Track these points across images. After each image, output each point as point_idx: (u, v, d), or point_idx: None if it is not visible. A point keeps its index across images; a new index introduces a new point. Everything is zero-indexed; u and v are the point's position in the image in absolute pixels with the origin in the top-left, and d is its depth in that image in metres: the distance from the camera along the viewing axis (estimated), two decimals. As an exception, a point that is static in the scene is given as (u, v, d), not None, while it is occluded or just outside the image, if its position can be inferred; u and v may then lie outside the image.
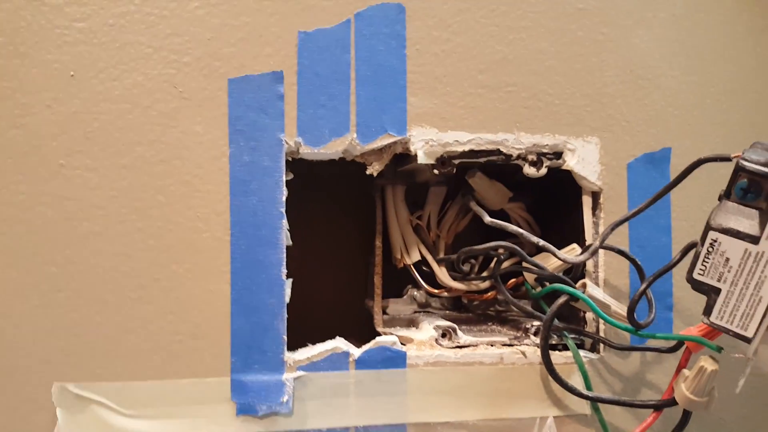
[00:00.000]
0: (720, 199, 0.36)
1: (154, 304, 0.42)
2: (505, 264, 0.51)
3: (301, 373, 0.44)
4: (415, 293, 0.55)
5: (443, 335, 0.47)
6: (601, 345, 0.48)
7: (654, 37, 0.49)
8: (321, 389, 0.44)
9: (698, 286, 0.38)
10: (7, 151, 0.40)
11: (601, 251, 0.48)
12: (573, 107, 0.48)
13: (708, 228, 0.36)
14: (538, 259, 0.49)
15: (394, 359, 0.45)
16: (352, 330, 0.48)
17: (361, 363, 0.44)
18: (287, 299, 0.45)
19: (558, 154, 0.48)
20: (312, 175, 0.54)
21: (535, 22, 0.47)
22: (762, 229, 0.34)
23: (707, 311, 0.37)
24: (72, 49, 0.41)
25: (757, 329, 0.35)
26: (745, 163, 0.35)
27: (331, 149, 0.44)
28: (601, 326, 0.48)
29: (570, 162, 0.48)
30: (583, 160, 0.48)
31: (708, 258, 0.36)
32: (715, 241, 0.36)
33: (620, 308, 0.45)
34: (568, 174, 0.49)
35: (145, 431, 0.41)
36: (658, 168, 0.48)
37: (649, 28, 0.49)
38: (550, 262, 0.49)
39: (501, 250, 0.49)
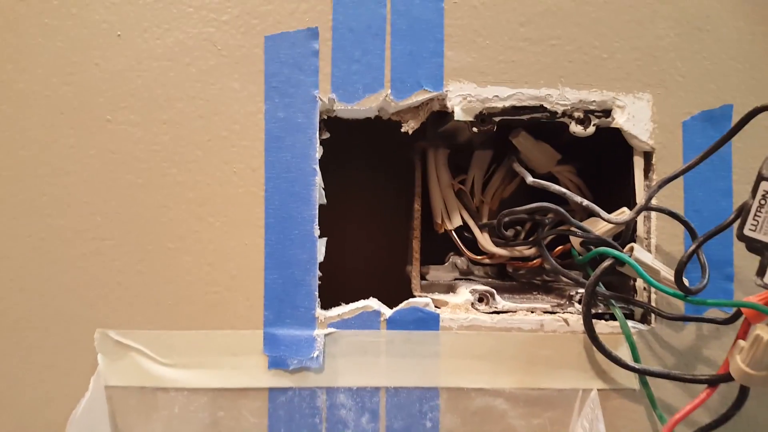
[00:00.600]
0: (774, 146, 0.34)
1: (192, 254, 0.43)
2: (556, 233, 0.50)
3: (332, 329, 0.44)
4: (457, 260, 0.54)
5: (480, 299, 0.46)
6: (652, 316, 0.46)
7: (716, -14, 0.46)
8: (351, 347, 0.44)
9: (751, 244, 0.35)
10: (58, 106, 0.43)
11: (655, 217, 0.46)
12: (622, 61, 0.46)
13: (760, 178, 0.34)
14: (586, 224, 0.47)
15: (427, 321, 0.45)
16: (391, 296, 0.48)
17: (393, 323, 0.44)
18: (320, 257, 0.45)
19: (606, 112, 0.46)
20: (355, 140, 0.55)
21: (582, -27, 0.45)
22: (819, 176, 0.31)
23: (761, 272, 0.35)
24: (118, 9, 0.44)
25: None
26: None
27: (365, 105, 0.44)
28: (653, 296, 0.46)
29: (619, 120, 0.46)
30: (634, 118, 0.46)
31: (760, 212, 0.34)
32: None
33: (671, 275, 0.42)
34: (620, 135, 0.47)
35: (181, 379, 0.43)
36: (717, 127, 0.45)
37: (711, -24, 0.46)
38: (599, 227, 0.47)
39: (546, 215, 0.48)
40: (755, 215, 0.34)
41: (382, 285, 0.51)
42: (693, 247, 0.38)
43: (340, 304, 0.46)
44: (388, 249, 0.61)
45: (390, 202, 0.59)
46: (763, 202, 0.34)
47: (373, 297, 0.47)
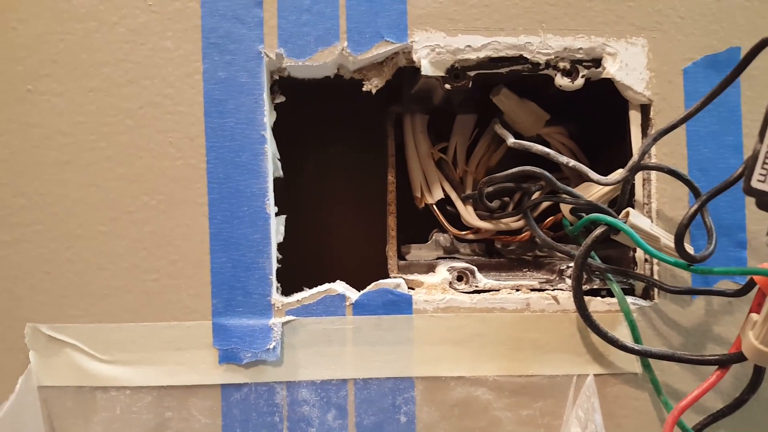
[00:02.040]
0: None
1: (126, 238, 0.40)
2: (540, 200, 0.46)
3: (290, 317, 0.40)
4: (440, 237, 0.50)
5: (459, 278, 0.42)
6: (655, 290, 0.42)
7: None
8: (313, 336, 0.40)
9: (760, 198, 0.31)
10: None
11: (655, 179, 0.42)
12: (611, 2, 0.41)
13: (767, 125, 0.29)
14: (579, 191, 0.43)
15: (398, 304, 0.41)
16: (373, 280, 0.44)
17: (360, 307, 0.41)
18: (279, 237, 0.42)
19: (596, 61, 0.42)
20: (329, 110, 0.51)
21: None
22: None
23: (772, 230, 0.31)
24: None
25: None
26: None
27: (319, 61, 0.40)
28: (656, 268, 0.42)
29: (610, 69, 0.41)
30: (627, 66, 0.41)
31: (769, 160, 0.30)
32: (778, 136, 0.29)
33: (672, 242, 0.38)
34: (613, 88, 0.42)
35: (122, 377, 0.40)
36: (723, 73, 0.40)
37: None
38: (591, 192, 0.42)
39: (533, 182, 0.44)
40: (764, 163, 0.30)
41: (362, 267, 0.48)
42: (695, 206, 0.34)
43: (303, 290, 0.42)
44: (369, 228, 0.57)
45: (372, 176, 0.55)
46: (772, 149, 0.29)
47: (353, 281, 0.43)
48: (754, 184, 0.30)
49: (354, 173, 0.59)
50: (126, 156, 0.40)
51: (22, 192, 0.40)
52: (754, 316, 0.34)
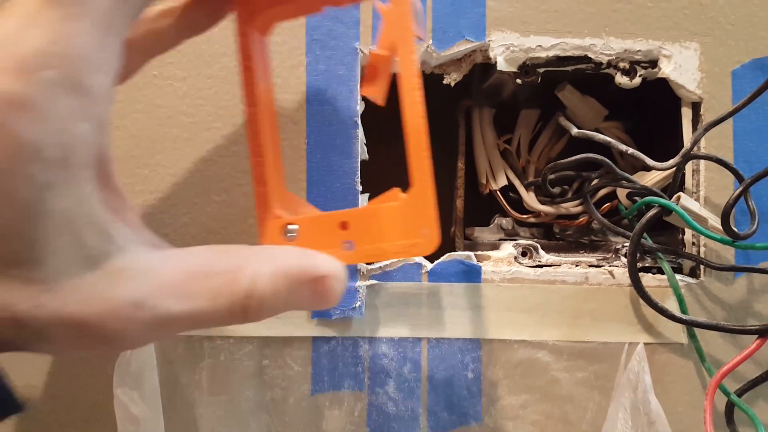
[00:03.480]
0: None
1: (237, 207, 0.47)
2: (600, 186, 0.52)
3: (374, 281, 0.47)
4: (502, 221, 0.57)
5: (523, 254, 0.49)
6: (702, 269, 0.48)
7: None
8: (393, 298, 0.47)
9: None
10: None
11: (704, 168, 0.48)
12: (668, 9, 0.47)
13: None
14: (635, 178, 0.49)
15: (469, 273, 0.47)
16: (437, 258, 0.51)
17: (434, 275, 0.47)
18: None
19: (653, 62, 0.48)
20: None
21: None
22: None
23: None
24: (165, -32, 0.48)
25: None
26: None
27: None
28: (702, 249, 0.48)
29: (666, 69, 0.48)
30: (681, 67, 0.47)
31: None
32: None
33: (719, 223, 0.44)
34: (668, 88, 0.48)
35: (228, 329, 0.47)
36: (768, 74, 0.47)
37: None
38: (646, 179, 0.49)
39: (593, 170, 0.50)
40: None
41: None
42: (740, 188, 0.40)
43: (382, 260, 0.49)
44: (442, 212, 0.64)
45: (438, 162, 0.62)
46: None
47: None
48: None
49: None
50: (239, 136, 0.47)
51: (146, 163, 0.47)
52: (790, 288, 0.40)
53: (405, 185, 0.35)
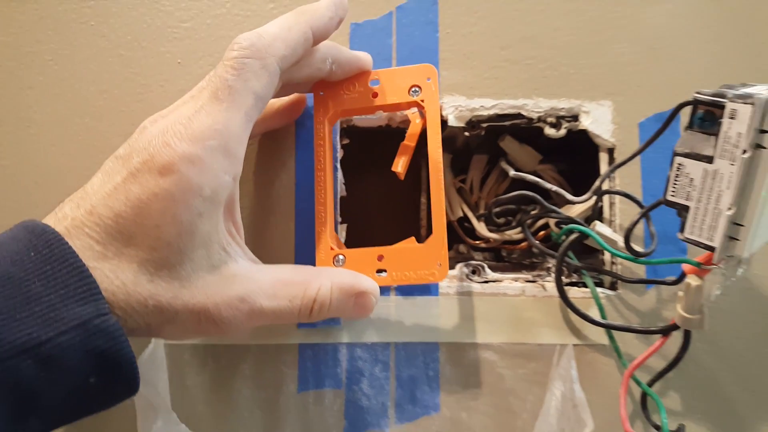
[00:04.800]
0: (684, 130, 0.47)
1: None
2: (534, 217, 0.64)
3: (351, 296, 0.58)
4: (460, 246, 0.68)
5: (473, 272, 0.60)
6: (618, 283, 0.59)
7: (665, 13, 0.61)
8: (367, 310, 0.58)
9: (673, 206, 0.48)
10: (131, 119, 0.59)
11: (619, 202, 0.60)
12: (587, 75, 0.60)
13: (674, 154, 0.47)
14: (562, 210, 0.61)
15: (429, 288, 0.59)
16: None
17: (401, 290, 0.58)
18: (341, 239, 0.60)
19: (575, 117, 0.60)
20: (378, 150, 0.70)
21: (550, 6, 0.61)
22: (715, 150, 0.45)
23: (681, 228, 0.48)
24: (179, 42, 0.60)
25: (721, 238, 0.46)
26: (701, 96, 0.46)
27: (376, 114, 0.59)
28: (619, 266, 0.59)
29: (585, 122, 0.60)
30: (597, 121, 0.60)
31: (677, 180, 0.47)
32: (681, 165, 0.47)
33: (627, 245, 0.56)
34: (587, 136, 0.61)
35: (228, 338, 0.57)
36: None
37: (661, 4, 0.61)
38: (572, 211, 0.61)
39: (528, 203, 0.62)
40: (673, 183, 0.47)
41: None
42: (638, 217, 0.52)
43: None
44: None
45: (402, 198, 0.73)
46: (678, 172, 0.47)
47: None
48: (668, 197, 0.48)
49: (391, 196, 0.78)
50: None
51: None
52: (680, 293, 0.52)
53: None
